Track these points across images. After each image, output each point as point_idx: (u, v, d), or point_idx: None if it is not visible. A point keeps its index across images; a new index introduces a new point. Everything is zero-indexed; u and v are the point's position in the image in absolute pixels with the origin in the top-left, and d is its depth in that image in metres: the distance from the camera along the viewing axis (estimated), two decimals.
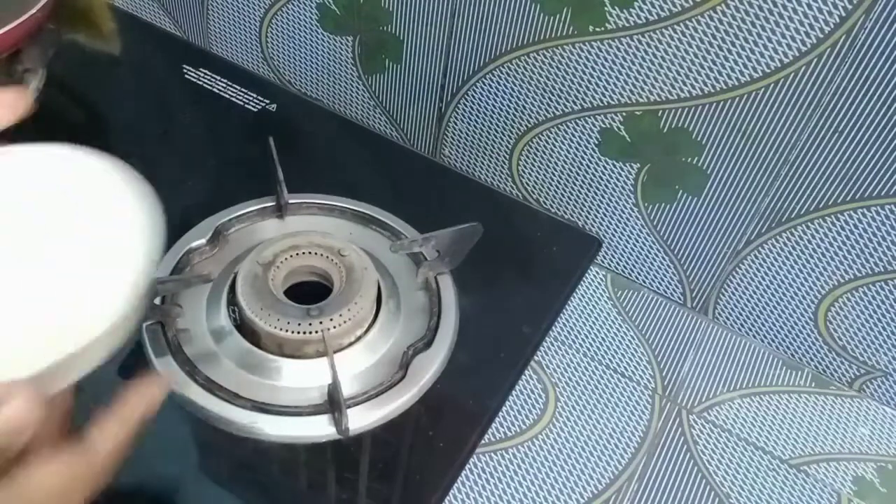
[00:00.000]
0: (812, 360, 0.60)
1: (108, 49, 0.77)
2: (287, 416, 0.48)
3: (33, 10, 0.61)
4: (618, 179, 0.61)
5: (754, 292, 0.60)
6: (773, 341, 0.61)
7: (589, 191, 0.63)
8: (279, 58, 0.74)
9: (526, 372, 0.56)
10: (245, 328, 0.51)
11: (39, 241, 0.31)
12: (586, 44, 0.56)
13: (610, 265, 0.65)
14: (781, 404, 0.57)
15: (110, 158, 0.33)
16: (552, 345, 0.58)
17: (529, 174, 0.65)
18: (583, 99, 0.58)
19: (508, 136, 0.64)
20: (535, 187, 0.66)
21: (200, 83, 0.72)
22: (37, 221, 0.31)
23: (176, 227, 0.57)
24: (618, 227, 0.63)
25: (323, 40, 0.69)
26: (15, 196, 0.32)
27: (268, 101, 0.71)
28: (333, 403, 0.48)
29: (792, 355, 0.61)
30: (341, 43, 0.68)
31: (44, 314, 0.29)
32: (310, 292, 0.54)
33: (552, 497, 0.50)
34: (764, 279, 0.59)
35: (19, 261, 0.30)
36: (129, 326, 0.30)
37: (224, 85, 0.72)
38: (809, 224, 0.55)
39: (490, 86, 0.62)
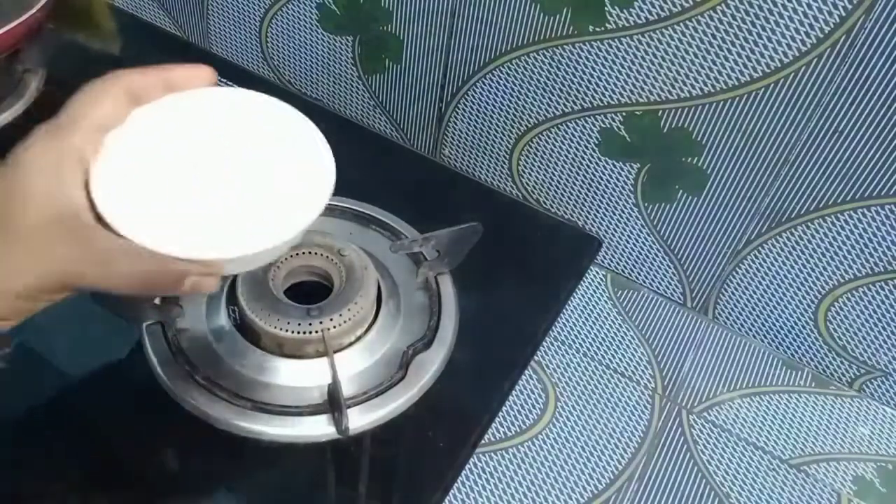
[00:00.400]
0: (812, 360, 0.60)
1: (108, 49, 0.77)
2: (287, 416, 0.48)
3: (33, 10, 0.61)
4: (618, 179, 0.61)
5: (754, 292, 0.60)
6: (773, 341, 0.61)
7: (589, 191, 0.63)
8: (279, 58, 0.74)
9: (526, 372, 0.56)
10: (245, 328, 0.51)
11: (247, 162, 0.41)
12: (586, 44, 0.56)
13: (610, 265, 0.65)
14: (781, 404, 0.57)
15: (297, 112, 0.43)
16: (552, 345, 0.58)
17: (529, 174, 0.65)
18: (583, 99, 0.58)
19: (508, 136, 0.64)
20: (535, 187, 0.66)
21: None
22: (244, 148, 0.42)
23: None
24: (618, 227, 0.63)
25: (323, 40, 0.69)
26: (228, 126, 0.42)
27: None
28: (333, 403, 0.48)
29: (792, 355, 0.61)
30: (341, 43, 0.68)
31: (247, 217, 0.39)
32: (310, 292, 0.54)
33: (552, 497, 0.50)
34: (764, 279, 0.59)
35: (233, 173, 0.41)
36: (299, 239, 0.40)
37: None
38: (809, 224, 0.55)
39: (490, 86, 0.62)
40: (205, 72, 0.41)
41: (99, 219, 0.36)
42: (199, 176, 0.40)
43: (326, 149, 0.42)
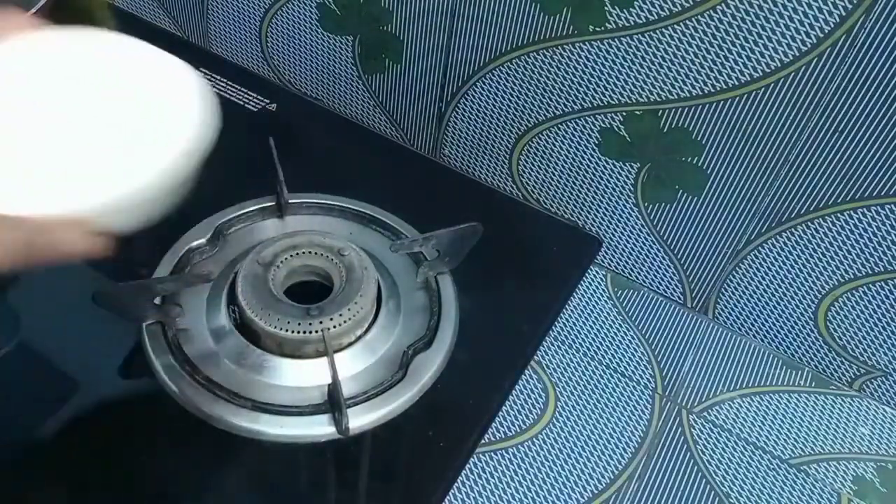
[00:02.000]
0: (812, 359, 0.60)
1: None
2: (287, 416, 0.48)
3: (33, 11, 0.61)
4: (618, 179, 0.61)
5: (754, 292, 0.60)
6: (773, 341, 0.61)
7: (589, 191, 0.63)
8: (279, 58, 0.74)
9: (526, 372, 0.56)
10: (245, 328, 0.51)
11: (108, 107, 0.38)
12: (586, 44, 0.56)
13: (610, 265, 0.65)
14: (781, 404, 0.57)
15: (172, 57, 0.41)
16: (552, 345, 0.58)
17: (529, 174, 0.65)
18: (583, 99, 0.58)
19: (508, 136, 0.64)
20: (535, 187, 0.66)
21: None
22: (106, 92, 0.39)
23: (176, 227, 0.57)
24: (618, 227, 0.63)
25: (323, 40, 0.69)
26: (74, 71, 0.39)
27: (268, 101, 0.71)
28: (333, 403, 0.48)
29: (792, 355, 0.61)
30: (341, 43, 0.68)
31: (106, 162, 0.36)
32: (310, 292, 0.54)
33: (552, 497, 0.50)
34: (764, 279, 0.59)
35: (88, 119, 0.37)
36: (174, 197, 0.37)
37: (224, 85, 0.72)
38: (809, 224, 0.55)
39: (490, 86, 0.62)
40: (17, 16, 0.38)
41: None
42: (50, 127, 0.37)
43: (198, 83, 0.40)
